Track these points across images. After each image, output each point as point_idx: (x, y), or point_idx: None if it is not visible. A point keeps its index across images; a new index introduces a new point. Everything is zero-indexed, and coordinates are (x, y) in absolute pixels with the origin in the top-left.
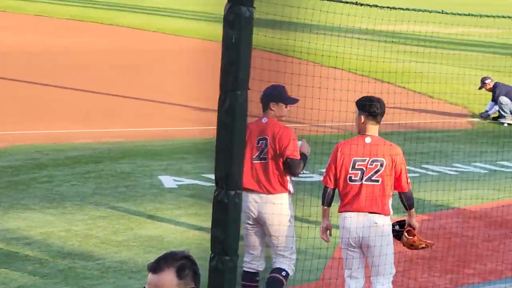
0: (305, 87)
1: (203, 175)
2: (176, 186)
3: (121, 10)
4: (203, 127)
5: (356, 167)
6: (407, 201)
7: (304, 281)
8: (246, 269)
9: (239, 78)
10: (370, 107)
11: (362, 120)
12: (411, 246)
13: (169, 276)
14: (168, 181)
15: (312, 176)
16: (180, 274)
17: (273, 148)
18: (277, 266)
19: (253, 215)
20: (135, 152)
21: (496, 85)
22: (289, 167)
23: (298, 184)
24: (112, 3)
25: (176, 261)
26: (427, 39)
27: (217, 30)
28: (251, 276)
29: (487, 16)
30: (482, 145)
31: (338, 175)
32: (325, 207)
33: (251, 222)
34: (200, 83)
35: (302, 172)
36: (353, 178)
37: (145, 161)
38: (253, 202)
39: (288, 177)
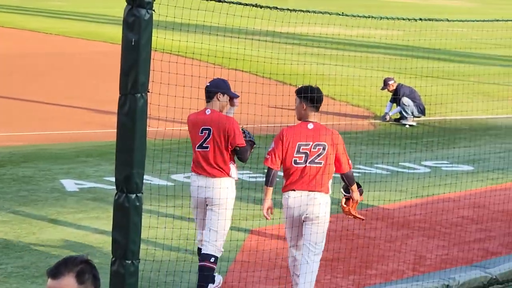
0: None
1: (105, 178)
2: (78, 190)
3: (23, 13)
4: (105, 130)
5: (301, 151)
6: (348, 180)
7: None
8: (202, 250)
9: (139, 81)
10: (310, 96)
11: (304, 108)
12: (345, 213)
13: (69, 281)
14: (70, 184)
15: None
16: (80, 278)
17: (216, 137)
18: (205, 252)
19: (199, 196)
20: (37, 156)
21: (399, 86)
22: (239, 154)
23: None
24: (14, 7)
25: (76, 265)
26: (328, 40)
27: (119, 33)
28: (207, 257)
29: (387, 18)
30: (384, 146)
31: (282, 158)
32: (269, 188)
33: (198, 202)
34: (103, 85)
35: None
36: (298, 161)
37: (47, 165)
38: (197, 185)
39: (230, 164)
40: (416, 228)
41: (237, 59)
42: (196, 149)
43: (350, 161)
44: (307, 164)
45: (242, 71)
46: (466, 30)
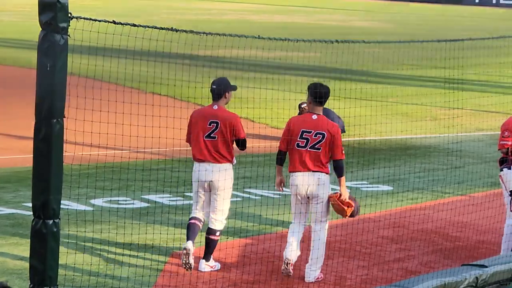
0: (123, 114)
1: (24, 204)
2: None
3: None
4: (23, 155)
5: (303, 136)
6: (338, 168)
7: None
8: (209, 225)
9: (55, 107)
10: (316, 92)
11: (310, 102)
12: (334, 206)
13: None
14: None
15: (133, 202)
16: None
17: (223, 129)
18: (210, 227)
19: (203, 179)
20: None
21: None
22: (241, 145)
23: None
24: None
25: None
26: (246, 63)
27: (35, 57)
28: (213, 231)
29: (304, 40)
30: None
31: (289, 141)
32: (279, 166)
33: (201, 186)
34: (20, 111)
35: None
36: (300, 144)
37: None
38: (203, 170)
39: (232, 152)
40: (336, 249)
41: (154, 83)
42: (205, 139)
43: (343, 152)
44: (308, 148)
45: (160, 94)
46: (383, 51)
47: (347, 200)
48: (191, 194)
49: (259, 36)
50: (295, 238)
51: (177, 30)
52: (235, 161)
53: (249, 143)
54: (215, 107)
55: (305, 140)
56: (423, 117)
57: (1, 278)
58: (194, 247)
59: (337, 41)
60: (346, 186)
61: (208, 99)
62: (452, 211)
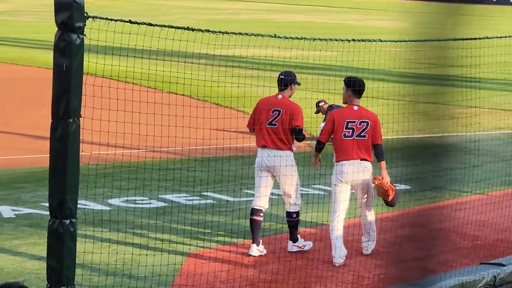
0: (139, 113)
1: (41, 204)
2: (14, 216)
3: None
4: (41, 155)
5: (349, 126)
6: (379, 152)
7: None
8: (254, 206)
9: (71, 106)
10: (354, 85)
11: (349, 94)
12: (377, 188)
13: None
14: (6, 211)
15: (150, 202)
16: None
17: (284, 118)
18: (288, 211)
19: (265, 165)
20: None
21: (331, 107)
22: (297, 133)
23: (140, 210)
24: None
25: None
26: (262, 62)
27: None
28: (257, 212)
29: (320, 39)
30: (321, 167)
31: (333, 133)
32: (317, 153)
33: (263, 170)
34: (37, 111)
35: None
36: (346, 134)
37: None
38: (266, 155)
39: (292, 139)
40: (354, 248)
41: (170, 82)
42: (267, 126)
43: (382, 137)
44: (354, 137)
45: (177, 94)
46: (400, 50)
47: (389, 184)
48: (208, 194)
49: (275, 35)
50: (340, 238)
51: (193, 30)
52: (294, 149)
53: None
54: (280, 96)
55: (351, 130)
56: (440, 115)
57: (19, 278)
58: (260, 245)
59: (353, 40)
60: None
61: (224, 98)
62: (470, 210)
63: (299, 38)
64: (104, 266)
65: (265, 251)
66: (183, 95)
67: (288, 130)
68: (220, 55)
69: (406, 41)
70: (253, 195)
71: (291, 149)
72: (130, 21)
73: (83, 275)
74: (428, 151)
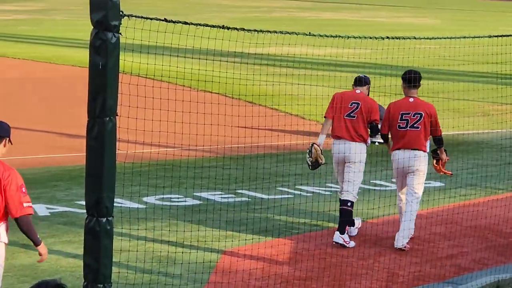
0: (175, 112)
1: (76, 202)
2: (49, 214)
3: None
4: (75, 153)
5: (403, 118)
6: (438, 142)
7: None
8: (341, 197)
9: (107, 105)
10: (410, 78)
11: (404, 87)
12: (437, 170)
13: None
14: (41, 209)
15: (185, 200)
16: None
17: (362, 111)
18: (344, 198)
19: (341, 155)
20: None
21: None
22: (372, 127)
23: (175, 208)
24: None
25: None
26: (297, 60)
27: (87, 56)
28: (344, 202)
29: (354, 37)
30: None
31: (390, 124)
32: (386, 143)
33: (339, 163)
34: (72, 109)
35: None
36: (401, 126)
37: None
38: (342, 145)
39: (367, 133)
40: (388, 245)
41: (205, 80)
42: (345, 117)
43: (440, 128)
44: (408, 128)
45: (211, 92)
46: (433, 47)
47: (444, 170)
48: (243, 191)
49: (309, 33)
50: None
51: (228, 28)
52: (369, 142)
53: (300, 140)
54: (358, 91)
55: (405, 121)
56: (474, 112)
57: (54, 275)
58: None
59: (387, 37)
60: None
61: (259, 97)
62: (505, 207)
63: (333, 36)
64: (140, 264)
65: (351, 243)
66: (218, 93)
67: (365, 123)
68: (255, 54)
69: (440, 38)
70: (287, 192)
71: (365, 142)
72: (165, 20)
73: (120, 273)
74: (461, 148)
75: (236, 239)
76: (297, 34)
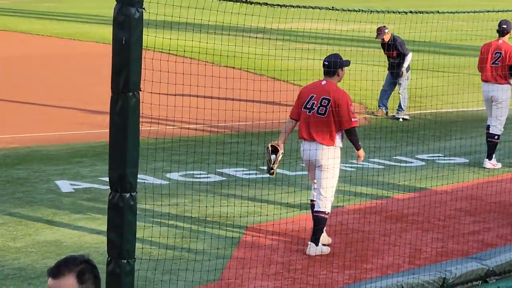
0: (197, 87)
1: (100, 178)
2: (73, 190)
3: (13, 15)
4: (99, 130)
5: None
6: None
7: (203, 282)
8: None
9: (131, 80)
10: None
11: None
12: None
13: (69, 281)
14: (65, 185)
15: (209, 176)
16: (81, 278)
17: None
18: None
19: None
20: (31, 158)
21: (395, 38)
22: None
23: (198, 184)
24: (4, 9)
25: (77, 265)
26: (319, 36)
27: (110, 32)
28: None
29: (377, 11)
30: (377, 140)
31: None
32: None
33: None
34: (95, 86)
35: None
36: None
37: (41, 166)
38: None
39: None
40: (411, 221)
41: (228, 56)
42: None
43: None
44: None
45: (234, 68)
46: (457, 23)
47: None
48: (265, 168)
49: (332, 7)
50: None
51: (251, 3)
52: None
53: None
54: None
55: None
56: None
57: (78, 251)
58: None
59: (411, 11)
60: (423, 159)
61: (281, 72)
62: None
63: (356, 11)
64: (163, 239)
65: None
66: (240, 69)
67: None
68: (278, 29)
69: (463, 12)
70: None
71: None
72: None
73: (143, 249)
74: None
75: (259, 215)
76: (320, 9)
